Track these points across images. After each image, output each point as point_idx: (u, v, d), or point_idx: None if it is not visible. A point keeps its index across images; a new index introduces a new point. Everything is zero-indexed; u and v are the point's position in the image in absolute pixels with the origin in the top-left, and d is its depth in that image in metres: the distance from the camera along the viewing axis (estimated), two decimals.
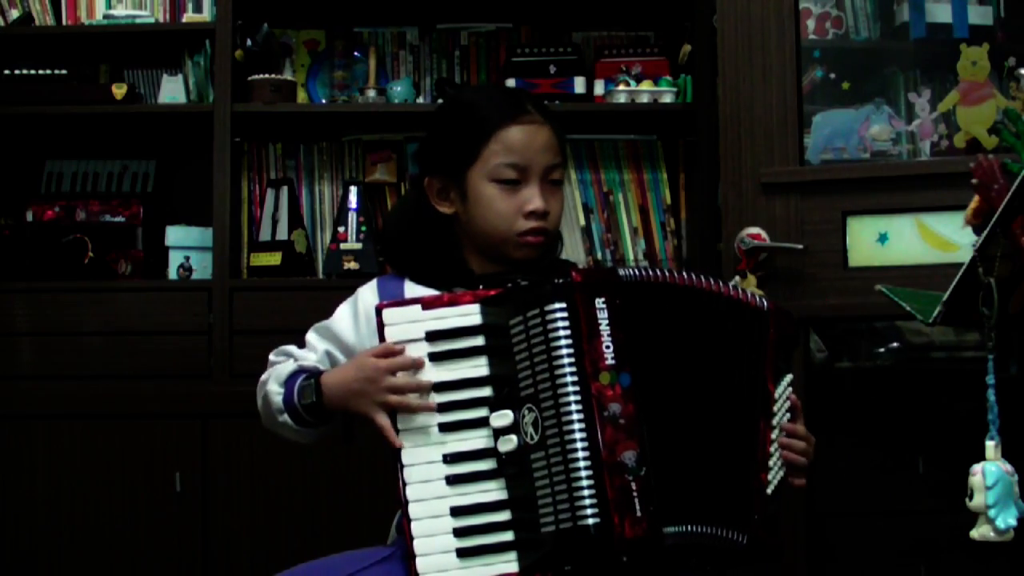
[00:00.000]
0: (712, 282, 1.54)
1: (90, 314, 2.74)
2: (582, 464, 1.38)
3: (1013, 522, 1.43)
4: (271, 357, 1.70)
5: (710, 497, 1.46)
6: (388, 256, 1.74)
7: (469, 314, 1.51)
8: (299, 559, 1.63)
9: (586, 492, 1.38)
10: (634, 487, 1.38)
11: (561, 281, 1.44)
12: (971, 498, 1.44)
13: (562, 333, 1.42)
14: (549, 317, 1.43)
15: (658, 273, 1.52)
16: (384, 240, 1.78)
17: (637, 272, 1.49)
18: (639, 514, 1.38)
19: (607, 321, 1.43)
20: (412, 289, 1.65)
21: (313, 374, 1.60)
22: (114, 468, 2.70)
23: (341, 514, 2.58)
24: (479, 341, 1.50)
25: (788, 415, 1.57)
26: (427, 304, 1.51)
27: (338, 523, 2.61)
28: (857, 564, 2.61)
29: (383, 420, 1.49)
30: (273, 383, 1.63)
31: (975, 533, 1.45)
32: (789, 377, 1.58)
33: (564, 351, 1.41)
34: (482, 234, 1.65)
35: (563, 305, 1.42)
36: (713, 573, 1.55)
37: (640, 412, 1.41)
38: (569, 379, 1.41)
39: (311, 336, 1.70)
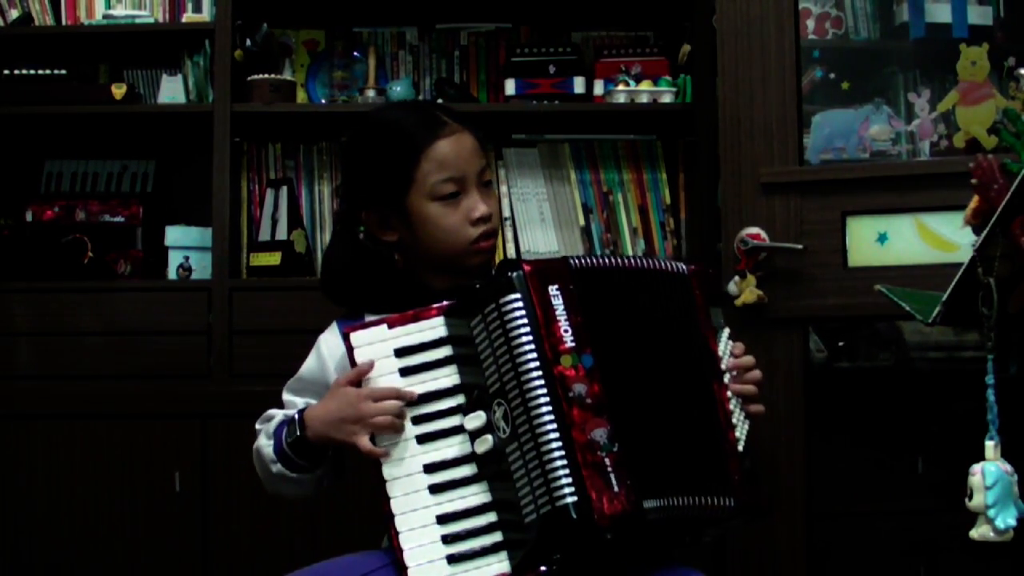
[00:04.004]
0: (648, 260, 1.58)
1: (90, 314, 2.74)
2: (554, 447, 1.40)
3: (1013, 522, 1.43)
4: (257, 425, 1.72)
5: (686, 467, 1.48)
6: (338, 299, 1.73)
7: (434, 327, 1.53)
8: (298, 559, 1.63)
9: (560, 473, 1.39)
10: (608, 464, 1.40)
11: (513, 274, 1.46)
12: (971, 498, 1.45)
13: (519, 323, 1.44)
14: (505, 309, 1.45)
15: (606, 259, 1.55)
16: (329, 283, 1.74)
17: (587, 259, 1.53)
18: (616, 489, 1.39)
19: (563, 306, 1.46)
20: (373, 318, 1.64)
21: (297, 412, 1.62)
22: (114, 468, 2.70)
23: (340, 514, 2.58)
24: (446, 352, 1.53)
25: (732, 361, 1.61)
26: (393, 323, 1.53)
27: (337, 523, 2.61)
28: (857, 564, 2.62)
29: (364, 441, 1.51)
30: (263, 439, 1.66)
31: (975, 533, 1.45)
32: (727, 330, 1.61)
33: (523, 339, 1.44)
34: (435, 252, 1.66)
35: (517, 296, 1.45)
36: (709, 540, 1.59)
37: (606, 390, 1.44)
38: (531, 365, 1.43)
39: (286, 395, 1.72)
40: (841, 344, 2.83)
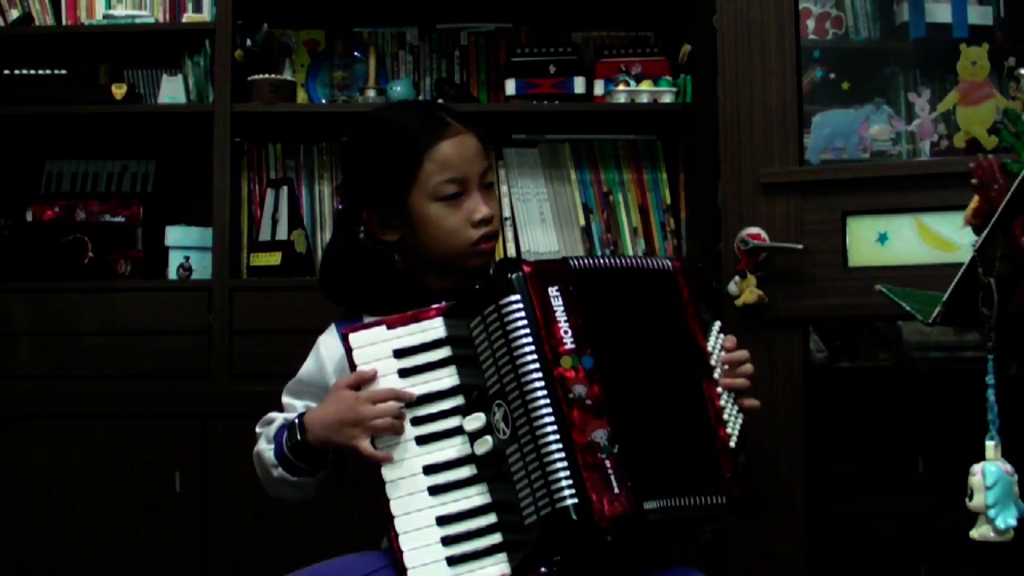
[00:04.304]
0: (634, 259, 1.59)
1: (90, 314, 2.74)
2: (554, 448, 1.40)
3: (1013, 522, 1.43)
4: (257, 429, 1.71)
5: (680, 467, 1.48)
6: (336, 298, 1.73)
7: (433, 328, 1.53)
8: (298, 559, 1.63)
9: (561, 475, 1.39)
10: (608, 465, 1.41)
11: (513, 275, 1.46)
12: (971, 498, 1.45)
13: (519, 324, 1.44)
14: (505, 311, 1.45)
15: (601, 259, 1.56)
16: (328, 282, 1.74)
17: (587, 260, 1.53)
18: (617, 491, 1.40)
19: (563, 308, 1.46)
20: (372, 319, 1.64)
21: (296, 417, 1.62)
22: (114, 468, 2.70)
23: (340, 514, 2.58)
24: (445, 353, 1.53)
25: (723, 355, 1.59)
26: (392, 324, 1.53)
27: (337, 523, 2.61)
28: (857, 564, 2.62)
29: (365, 445, 1.51)
30: (263, 442, 1.66)
31: (975, 533, 1.45)
32: (718, 324, 1.60)
33: (523, 340, 1.44)
34: (435, 253, 1.66)
35: (517, 297, 1.45)
36: (707, 537, 1.59)
37: (606, 392, 1.44)
38: (531, 367, 1.43)
39: (286, 397, 1.72)
40: (838, 343, 2.83)
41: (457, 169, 1.64)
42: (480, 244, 1.65)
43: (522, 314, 1.45)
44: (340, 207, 1.75)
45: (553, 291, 1.47)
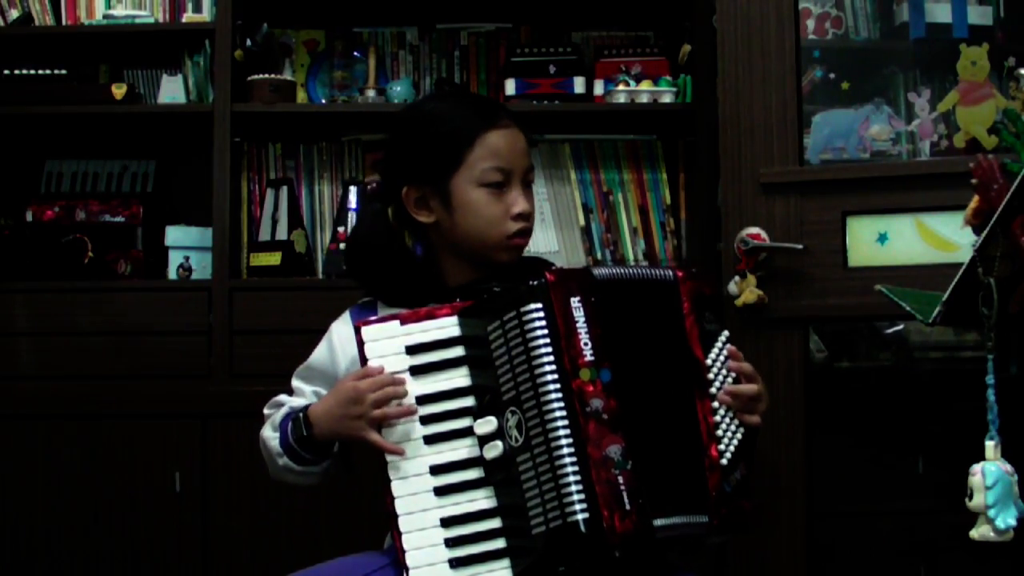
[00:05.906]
0: (639, 269, 1.59)
1: (90, 314, 2.74)
2: (568, 461, 1.40)
3: (1013, 522, 1.43)
4: (265, 410, 1.71)
5: (672, 485, 1.46)
6: (357, 271, 1.72)
7: (447, 326, 1.53)
8: (298, 559, 1.63)
9: (573, 488, 1.39)
10: (621, 481, 1.40)
11: (536, 283, 1.45)
12: (971, 498, 1.45)
13: (540, 333, 1.43)
14: (526, 318, 1.44)
15: (615, 269, 1.56)
16: (352, 255, 1.73)
17: (611, 271, 1.52)
18: (628, 507, 1.39)
19: (584, 319, 1.45)
20: (385, 313, 1.63)
21: (301, 410, 1.62)
22: (114, 468, 2.70)
23: (340, 514, 2.58)
24: (459, 352, 1.52)
25: (727, 371, 1.54)
26: (405, 319, 1.53)
27: (337, 524, 2.61)
28: (857, 564, 2.62)
29: (374, 436, 1.51)
30: (269, 430, 1.66)
31: (975, 533, 1.45)
32: (725, 334, 1.56)
33: (543, 350, 1.43)
34: (468, 239, 1.66)
35: (539, 306, 1.44)
36: (691, 553, 1.57)
37: (623, 406, 1.43)
38: (549, 377, 1.42)
39: (296, 381, 1.72)
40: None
41: (505, 159, 1.65)
42: (515, 239, 1.66)
43: (543, 323, 1.44)
44: (379, 182, 1.75)
45: (575, 301, 1.45)
